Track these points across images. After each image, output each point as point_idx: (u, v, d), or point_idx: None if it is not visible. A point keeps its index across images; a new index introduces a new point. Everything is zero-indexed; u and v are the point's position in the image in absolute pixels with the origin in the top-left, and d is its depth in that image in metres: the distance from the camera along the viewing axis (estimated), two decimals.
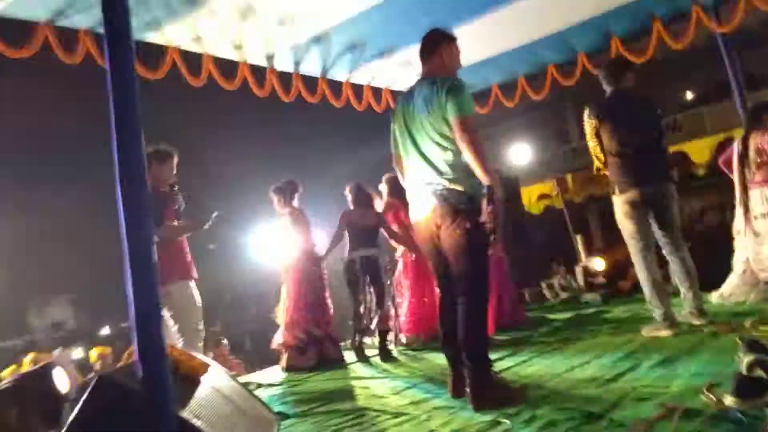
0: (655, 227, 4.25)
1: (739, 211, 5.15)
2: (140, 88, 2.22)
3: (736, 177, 5.15)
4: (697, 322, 4.07)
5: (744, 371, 2.46)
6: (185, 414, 1.84)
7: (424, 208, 3.19)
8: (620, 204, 4.28)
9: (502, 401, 2.92)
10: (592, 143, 4.40)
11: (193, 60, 5.04)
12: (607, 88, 4.39)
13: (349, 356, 5.51)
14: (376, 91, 6.80)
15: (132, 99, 2.11)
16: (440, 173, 3.08)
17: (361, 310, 5.52)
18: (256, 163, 19.73)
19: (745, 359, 2.54)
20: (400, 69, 6.36)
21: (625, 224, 4.28)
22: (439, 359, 4.18)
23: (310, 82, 6.00)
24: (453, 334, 3.12)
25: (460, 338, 3.06)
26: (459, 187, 3.05)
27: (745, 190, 5.09)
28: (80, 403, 1.88)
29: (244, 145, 22.06)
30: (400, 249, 6.08)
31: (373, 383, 4.27)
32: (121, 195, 2.02)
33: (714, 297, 5.11)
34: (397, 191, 5.62)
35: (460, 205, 3.04)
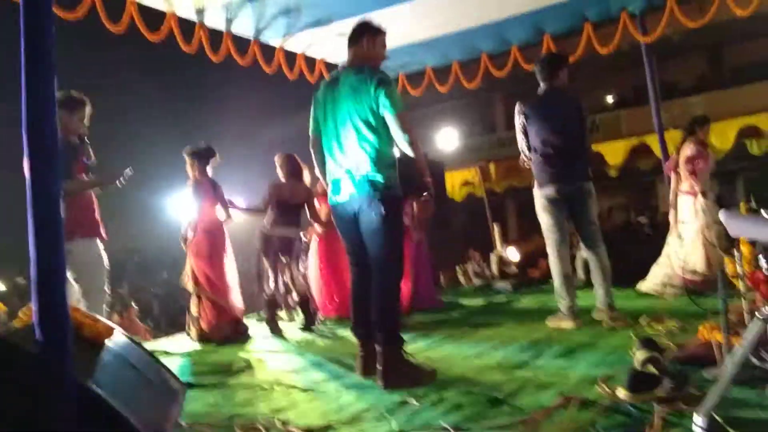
0: (572, 223, 4.44)
1: (671, 213, 5.64)
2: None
3: (672, 182, 5.62)
4: (605, 317, 4.29)
5: (637, 367, 2.63)
6: (87, 382, 1.76)
7: (343, 192, 3.23)
8: (539, 198, 4.45)
9: (412, 381, 3.00)
10: (519, 137, 4.54)
11: (113, 4, 4.74)
12: (541, 84, 4.50)
13: (260, 329, 5.46)
14: (310, 61, 6.67)
15: (47, 37, 1.93)
16: (361, 161, 3.14)
17: (271, 284, 5.46)
18: (177, 121, 18.94)
19: (639, 355, 2.71)
20: (338, 40, 6.27)
21: (542, 217, 4.45)
22: (352, 338, 4.22)
23: (241, 43, 5.81)
24: (364, 313, 3.22)
25: (373, 316, 3.14)
26: (379, 178, 3.12)
27: (676, 195, 5.58)
28: None
29: (165, 102, 21.08)
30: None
31: (285, 357, 4.26)
32: (27, 141, 1.87)
33: (643, 286, 5.59)
34: None
35: (378, 193, 3.11)
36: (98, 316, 2.38)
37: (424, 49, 6.66)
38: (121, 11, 4.74)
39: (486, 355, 3.64)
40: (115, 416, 1.79)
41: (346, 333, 4.99)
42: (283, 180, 5.51)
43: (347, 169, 3.19)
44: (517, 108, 4.53)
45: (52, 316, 1.79)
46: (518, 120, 4.51)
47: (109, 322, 2.38)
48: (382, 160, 3.14)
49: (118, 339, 2.28)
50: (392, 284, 3.20)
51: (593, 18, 6.33)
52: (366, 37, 3.37)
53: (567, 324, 4.30)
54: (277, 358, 4.24)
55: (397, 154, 3.28)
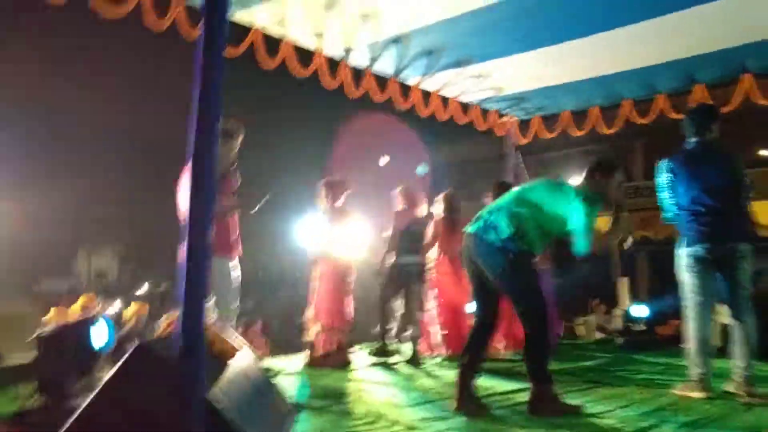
0: (721, 287, 4.14)
1: None
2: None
3: None
4: (740, 391, 3.95)
5: None
6: (212, 395, 1.92)
7: None
8: (684, 257, 4.19)
9: (555, 412, 3.41)
10: (663, 194, 4.33)
11: (270, 43, 5.18)
12: (691, 138, 4.28)
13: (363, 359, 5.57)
14: (444, 100, 6.83)
15: (218, 74, 2.17)
16: None
17: (393, 315, 5.60)
18: (314, 154, 19.94)
19: None
20: (473, 81, 6.38)
21: (686, 277, 4.19)
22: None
23: (380, 81, 6.09)
24: (476, 355, 3.57)
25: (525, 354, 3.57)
26: None
27: None
28: (116, 365, 1.98)
29: (306, 136, 22.30)
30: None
31: (391, 391, 4.31)
32: (192, 171, 2.10)
33: None
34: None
35: None
36: (226, 335, 2.57)
37: (563, 91, 6.58)
38: (277, 49, 5.16)
39: (605, 416, 3.47)
40: (232, 426, 1.94)
41: (452, 370, 4.99)
42: (406, 208, 5.67)
43: None
44: (663, 164, 4.33)
45: (192, 330, 1.98)
46: (664, 176, 4.31)
47: (237, 340, 2.58)
48: None
49: (242, 357, 2.46)
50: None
51: (754, 69, 5.93)
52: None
53: (697, 393, 3.99)
54: (384, 391, 4.30)
55: None
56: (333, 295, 5.39)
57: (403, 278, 5.65)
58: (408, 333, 5.76)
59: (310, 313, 5.47)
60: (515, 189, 3.94)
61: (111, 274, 23.04)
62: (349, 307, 5.49)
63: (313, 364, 5.30)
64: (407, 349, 5.84)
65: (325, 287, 5.41)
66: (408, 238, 5.59)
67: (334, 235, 5.44)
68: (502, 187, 5.85)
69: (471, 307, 6.08)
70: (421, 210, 5.81)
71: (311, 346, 5.41)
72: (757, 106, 6.15)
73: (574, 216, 3.55)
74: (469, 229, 3.73)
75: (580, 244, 3.56)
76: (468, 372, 3.56)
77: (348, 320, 5.45)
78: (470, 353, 3.59)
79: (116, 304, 8.59)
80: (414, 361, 5.47)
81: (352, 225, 5.56)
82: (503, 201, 3.79)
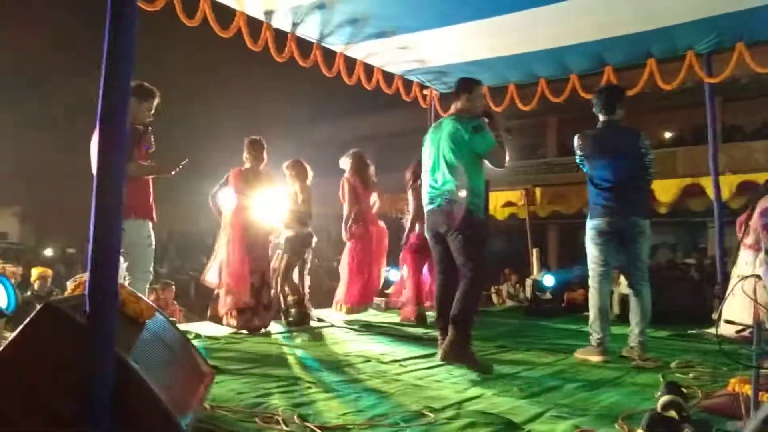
0: (621, 258, 4.41)
1: (733, 267, 5.49)
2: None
3: (739, 235, 5.48)
4: (634, 355, 4.24)
5: (659, 409, 2.62)
6: (125, 357, 1.88)
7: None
8: (589, 228, 4.44)
9: (470, 362, 3.81)
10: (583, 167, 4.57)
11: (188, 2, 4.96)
12: (600, 116, 4.50)
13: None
14: (368, 68, 6.82)
15: (130, 28, 2.06)
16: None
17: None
18: (233, 117, 19.45)
19: (662, 398, 2.70)
20: (398, 52, 6.39)
21: (590, 248, 4.43)
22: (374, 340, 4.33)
23: (304, 45, 5.98)
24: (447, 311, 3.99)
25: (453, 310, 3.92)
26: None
27: (738, 248, 5.44)
28: (22, 325, 1.90)
29: (224, 98, 21.66)
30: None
31: (308, 354, 4.36)
32: (100, 127, 2.01)
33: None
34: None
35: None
36: (141, 296, 2.52)
37: (482, 68, 6.71)
38: (196, 6, 4.96)
39: (508, 378, 3.66)
40: (146, 391, 1.91)
41: (370, 335, 5.11)
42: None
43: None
44: (575, 142, 4.55)
45: (102, 291, 1.92)
46: (577, 154, 4.53)
47: (150, 303, 2.52)
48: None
49: (156, 318, 2.42)
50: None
51: (658, 54, 6.27)
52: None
53: (595, 357, 4.27)
54: (302, 354, 4.35)
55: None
56: (238, 258, 5.21)
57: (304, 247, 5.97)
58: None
59: (210, 275, 5.36)
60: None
61: (11, 235, 21.72)
62: (256, 272, 5.28)
63: (214, 320, 5.28)
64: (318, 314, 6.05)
65: (233, 250, 5.24)
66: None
67: (250, 198, 5.32)
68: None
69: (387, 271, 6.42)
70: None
71: (213, 303, 5.34)
72: (660, 90, 6.53)
73: (480, 143, 3.99)
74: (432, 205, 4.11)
75: (497, 161, 4.07)
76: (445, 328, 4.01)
77: (250, 284, 5.22)
78: (446, 313, 4.00)
79: (18, 267, 8.11)
80: (300, 322, 5.71)
81: (273, 188, 5.48)
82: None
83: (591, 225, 4.43)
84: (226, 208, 5.31)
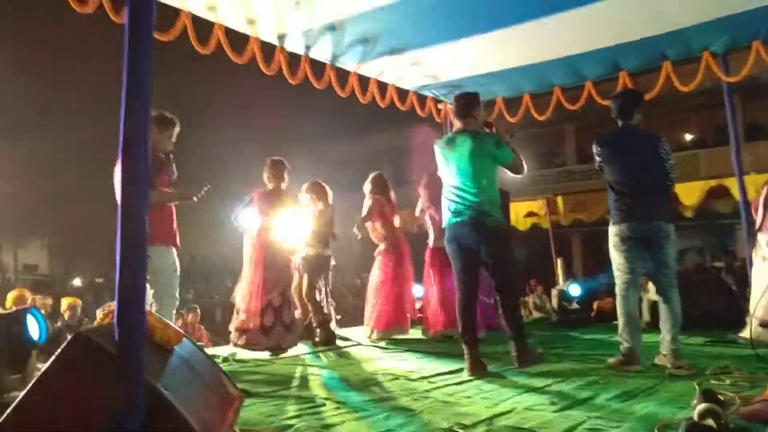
0: (648, 264, 4.34)
1: (755, 252, 5.39)
2: None
3: (758, 219, 5.35)
4: (668, 363, 4.16)
5: (696, 418, 2.55)
6: (155, 383, 1.89)
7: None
8: (612, 235, 4.38)
9: (537, 361, 4.29)
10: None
11: (203, 28, 5.04)
12: (618, 121, 4.46)
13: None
14: (382, 86, 6.85)
15: (147, 59, 2.10)
16: None
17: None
18: (251, 141, 19.69)
19: (697, 406, 2.63)
20: (410, 68, 6.43)
21: (614, 255, 4.37)
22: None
23: (318, 66, 6.04)
24: (472, 323, 4.25)
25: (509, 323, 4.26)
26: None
27: (756, 230, 5.36)
28: (54, 356, 1.92)
29: (241, 122, 21.97)
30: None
31: (337, 374, 4.34)
32: (122, 157, 2.04)
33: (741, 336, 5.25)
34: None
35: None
36: (169, 322, 2.53)
37: (496, 79, 6.72)
38: (209, 34, 5.04)
39: (539, 391, 3.60)
40: (177, 417, 1.92)
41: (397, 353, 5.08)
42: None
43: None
44: (593, 148, 4.52)
45: (130, 319, 1.94)
46: (595, 159, 4.50)
47: (178, 329, 2.54)
48: None
49: (184, 344, 2.43)
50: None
51: (673, 56, 6.22)
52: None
53: (627, 367, 4.19)
54: (329, 375, 4.33)
55: None
56: (253, 278, 5.25)
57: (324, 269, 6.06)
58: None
59: (236, 296, 5.40)
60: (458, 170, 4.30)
61: (41, 267, 22.09)
62: (274, 291, 5.28)
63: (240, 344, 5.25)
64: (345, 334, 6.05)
65: (251, 270, 5.28)
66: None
67: (273, 219, 5.36)
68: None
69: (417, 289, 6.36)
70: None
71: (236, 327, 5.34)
72: (678, 92, 6.46)
73: (506, 154, 4.33)
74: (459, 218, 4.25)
75: (520, 168, 4.39)
76: (476, 342, 4.24)
77: (268, 302, 5.23)
78: (472, 326, 4.24)
79: (48, 298, 8.24)
80: (326, 342, 5.69)
81: (295, 208, 5.52)
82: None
83: (614, 231, 4.37)
84: (249, 229, 5.35)
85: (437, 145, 4.51)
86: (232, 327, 5.28)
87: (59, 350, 1.91)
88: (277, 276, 5.28)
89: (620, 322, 4.32)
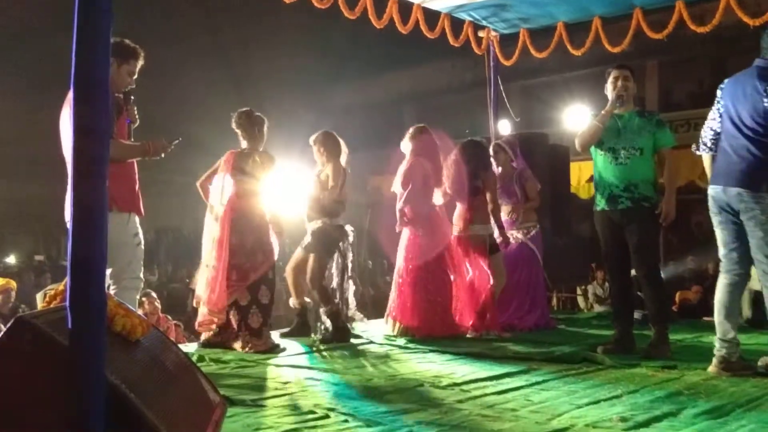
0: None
1: None
2: None
3: None
4: None
5: None
6: (118, 383, 1.93)
7: None
8: (708, 199, 4.36)
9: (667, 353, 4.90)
10: (707, 124, 4.50)
11: None
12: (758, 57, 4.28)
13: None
14: (404, 6, 6.80)
15: None
16: None
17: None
18: (237, 78, 19.65)
19: None
20: None
21: (716, 231, 4.39)
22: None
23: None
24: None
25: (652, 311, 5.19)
26: None
27: None
28: None
29: (221, 60, 21.84)
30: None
31: (340, 380, 4.39)
32: (74, 96, 2.05)
33: None
34: None
35: None
36: (131, 308, 2.57)
37: None
38: None
39: (605, 405, 3.62)
40: (145, 425, 1.97)
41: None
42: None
43: None
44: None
45: (86, 304, 1.97)
46: (717, 101, 4.42)
47: (144, 317, 2.59)
48: None
49: (153, 336, 2.48)
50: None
51: None
52: None
53: (723, 373, 4.21)
54: (334, 379, 4.39)
55: None
56: (222, 263, 5.25)
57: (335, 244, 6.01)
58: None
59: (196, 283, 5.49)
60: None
61: None
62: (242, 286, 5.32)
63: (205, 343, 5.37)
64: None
65: (218, 252, 5.27)
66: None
67: (248, 187, 5.36)
68: (477, 148, 6.19)
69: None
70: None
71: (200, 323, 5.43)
72: None
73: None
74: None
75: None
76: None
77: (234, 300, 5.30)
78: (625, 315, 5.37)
79: None
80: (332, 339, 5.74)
81: (274, 173, 5.48)
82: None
83: (709, 193, 4.36)
84: (215, 200, 5.36)
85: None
86: (197, 323, 5.39)
87: None
88: (246, 263, 5.29)
89: (716, 316, 4.31)
